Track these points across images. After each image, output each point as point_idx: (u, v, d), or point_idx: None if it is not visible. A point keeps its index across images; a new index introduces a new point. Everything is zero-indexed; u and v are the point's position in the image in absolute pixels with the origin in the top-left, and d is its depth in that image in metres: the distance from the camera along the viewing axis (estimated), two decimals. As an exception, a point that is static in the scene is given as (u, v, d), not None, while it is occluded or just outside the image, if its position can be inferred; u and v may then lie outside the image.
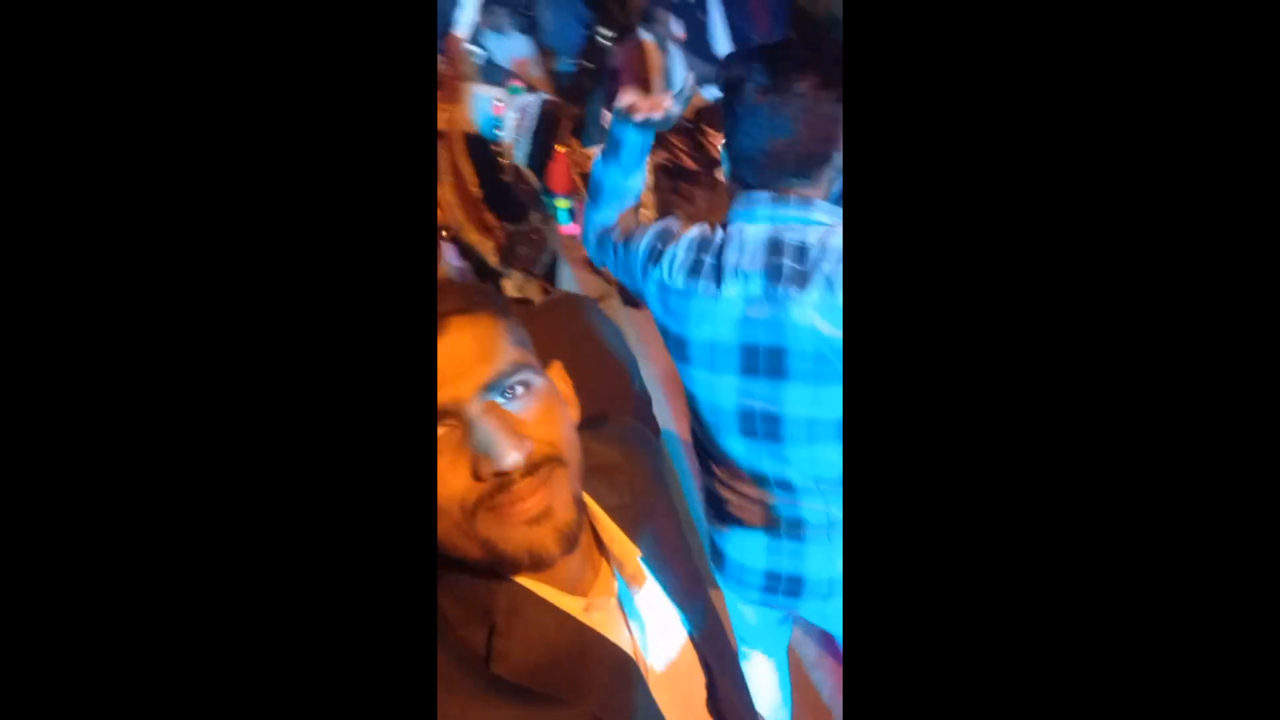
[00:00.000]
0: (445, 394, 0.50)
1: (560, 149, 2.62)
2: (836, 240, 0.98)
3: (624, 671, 0.58)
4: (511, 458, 0.49)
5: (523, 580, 0.57)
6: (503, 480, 0.50)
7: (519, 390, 0.53)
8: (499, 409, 0.51)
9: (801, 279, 0.98)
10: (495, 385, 0.52)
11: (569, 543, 0.53)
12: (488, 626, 0.55)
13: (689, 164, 2.15)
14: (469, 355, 0.51)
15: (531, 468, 0.51)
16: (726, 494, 1.17)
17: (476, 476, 0.50)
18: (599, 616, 0.59)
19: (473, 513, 0.51)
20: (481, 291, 0.57)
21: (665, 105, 1.12)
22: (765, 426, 1.07)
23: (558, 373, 0.61)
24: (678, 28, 3.86)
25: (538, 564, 0.52)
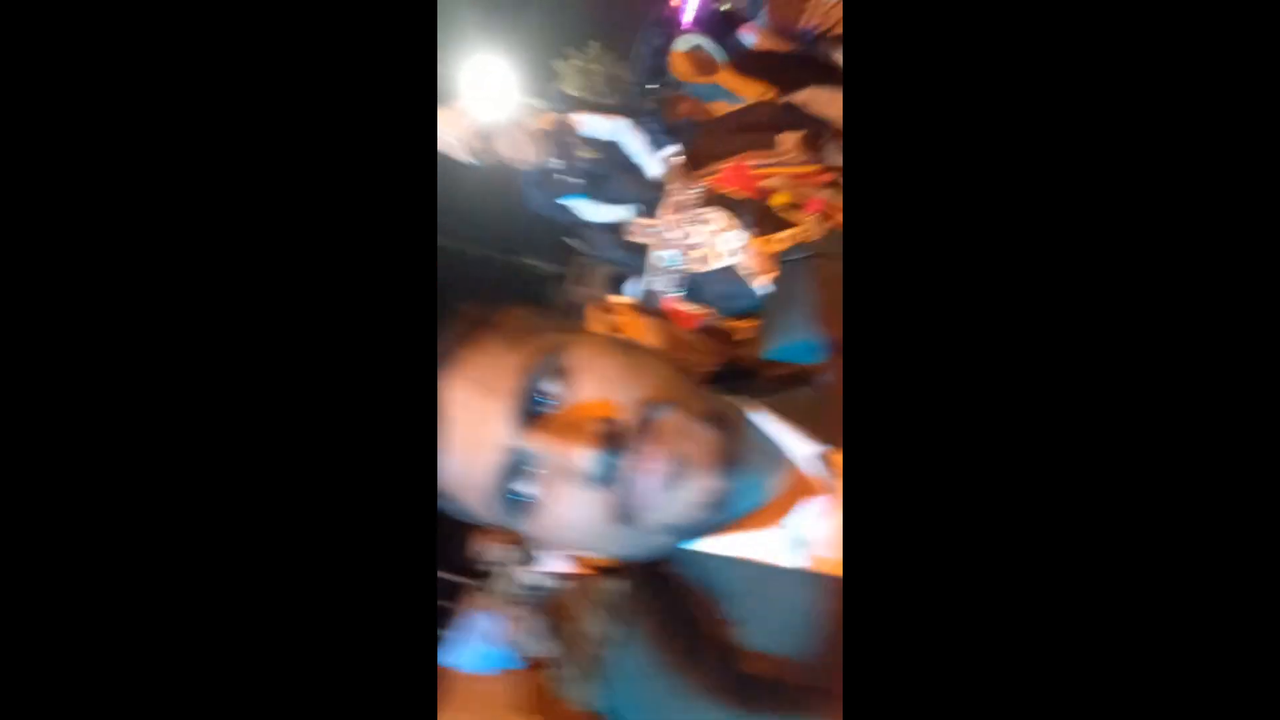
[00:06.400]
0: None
1: None
2: None
3: None
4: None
5: (722, 542, 0.49)
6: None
7: (552, 390, 0.46)
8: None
9: None
10: (523, 406, 0.45)
11: (726, 477, 0.45)
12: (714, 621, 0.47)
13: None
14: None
15: (624, 442, 0.44)
16: None
17: None
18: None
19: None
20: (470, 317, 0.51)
21: None
22: None
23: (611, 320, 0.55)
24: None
25: (708, 516, 0.45)
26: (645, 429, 0.44)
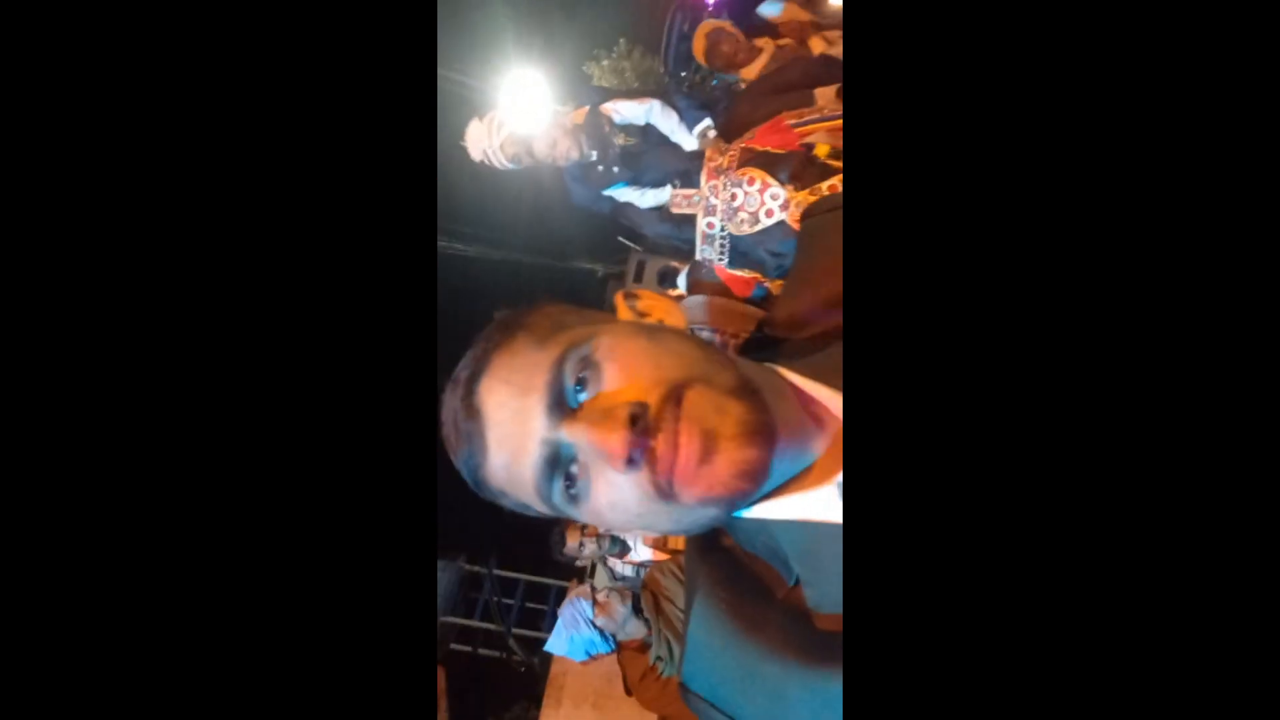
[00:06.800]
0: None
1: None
2: None
3: None
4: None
5: (774, 506, 0.49)
6: (647, 455, 0.45)
7: (585, 378, 0.47)
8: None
9: None
10: (552, 403, 0.47)
11: (759, 446, 0.45)
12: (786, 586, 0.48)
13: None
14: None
15: (655, 423, 0.45)
16: None
17: None
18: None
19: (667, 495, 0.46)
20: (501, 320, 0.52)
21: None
22: None
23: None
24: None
25: (748, 487, 0.46)
26: (675, 409, 0.45)
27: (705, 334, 1.72)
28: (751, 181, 1.61)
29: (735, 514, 0.50)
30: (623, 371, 0.47)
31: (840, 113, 1.72)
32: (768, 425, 0.46)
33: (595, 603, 1.89)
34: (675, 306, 0.58)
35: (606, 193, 1.86)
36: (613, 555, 2.53)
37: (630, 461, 0.44)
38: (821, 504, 0.49)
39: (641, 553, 2.51)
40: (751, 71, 2.28)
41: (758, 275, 1.69)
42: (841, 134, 1.69)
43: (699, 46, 2.43)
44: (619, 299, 0.58)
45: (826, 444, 0.50)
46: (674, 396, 0.45)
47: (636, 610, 1.93)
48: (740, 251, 1.68)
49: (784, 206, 1.60)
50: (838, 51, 2.08)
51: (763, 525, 0.51)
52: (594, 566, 2.78)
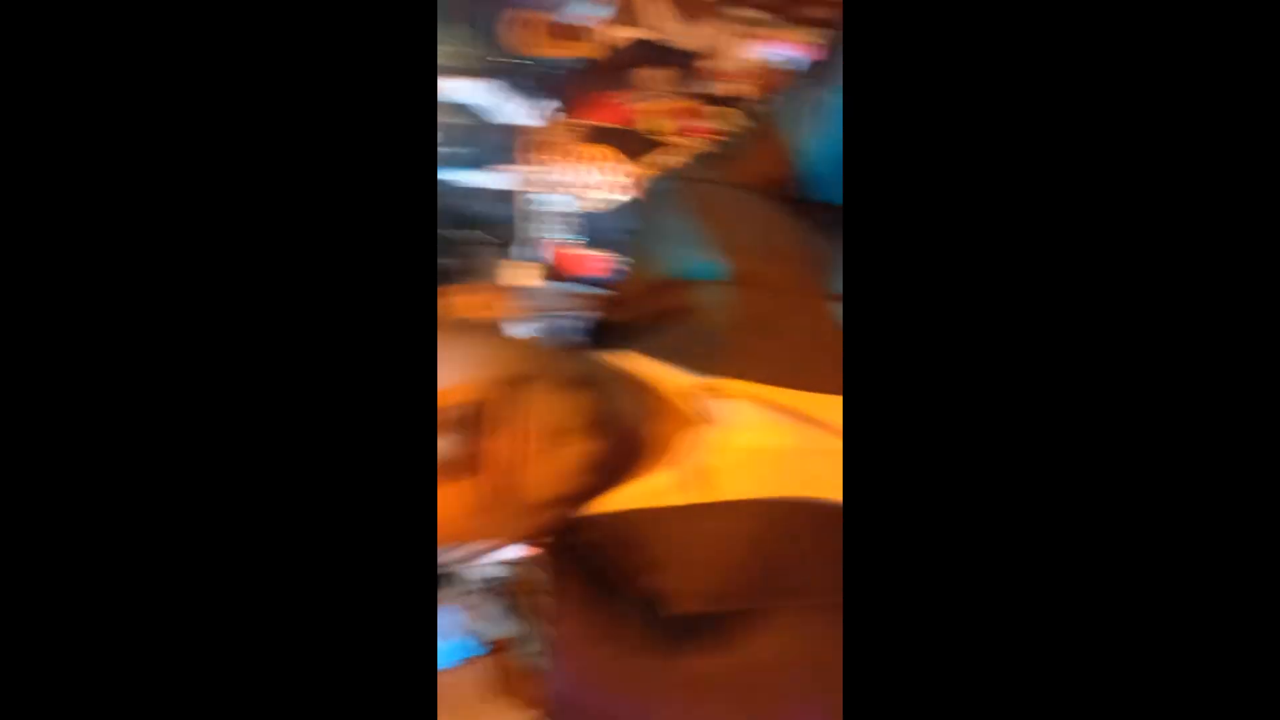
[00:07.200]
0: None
1: None
2: None
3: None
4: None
5: (618, 497, 0.49)
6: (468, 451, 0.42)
7: None
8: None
9: None
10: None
11: (601, 437, 0.44)
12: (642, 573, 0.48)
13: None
14: None
15: (491, 423, 0.42)
16: None
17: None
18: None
19: (501, 495, 0.43)
20: None
21: None
22: None
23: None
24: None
25: (592, 479, 0.44)
26: (512, 406, 0.43)
27: (554, 319, 1.69)
28: (596, 158, 1.60)
29: (581, 508, 0.49)
30: (454, 373, 0.44)
31: (672, 92, 1.77)
32: (609, 415, 0.45)
33: (464, 606, 1.82)
34: (510, 297, 0.57)
35: (442, 176, 1.78)
36: (477, 557, 2.45)
37: (458, 466, 0.42)
38: (662, 489, 0.49)
39: (504, 552, 2.45)
40: (580, 33, 2.27)
41: (610, 254, 1.69)
42: (668, 113, 1.75)
43: (524, 31, 2.38)
44: (448, 294, 0.56)
45: (664, 429, 0.50)
46: (510, 393, 0.43)
47: (508, 609, 1.88)
48: (589, 230, 1.67)
49: (630, 183, 1.61)
50: (660, 30, 2.14)
51: (610, 516, 0.51)
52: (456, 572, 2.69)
